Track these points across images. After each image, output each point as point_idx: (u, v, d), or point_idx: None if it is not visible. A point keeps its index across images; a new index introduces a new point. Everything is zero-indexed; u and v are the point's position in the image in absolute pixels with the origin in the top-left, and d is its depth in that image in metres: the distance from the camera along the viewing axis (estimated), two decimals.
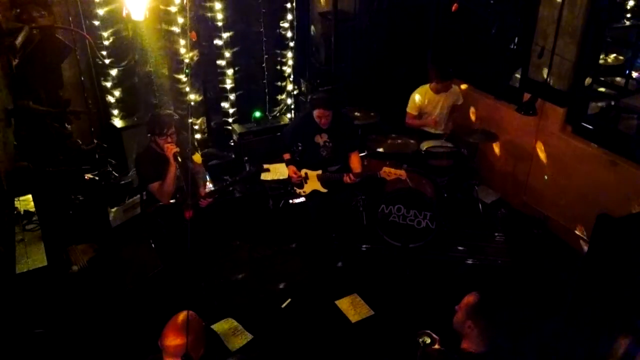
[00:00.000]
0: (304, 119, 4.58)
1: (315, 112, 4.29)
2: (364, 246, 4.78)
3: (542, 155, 5.04)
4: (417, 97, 5.30)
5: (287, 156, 4.56)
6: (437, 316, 3.86)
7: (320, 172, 4.45)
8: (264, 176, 5.11)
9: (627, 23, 5.25)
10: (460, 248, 4.85)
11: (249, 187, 5.55)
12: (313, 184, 4.47)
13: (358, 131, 5.09)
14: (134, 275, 4.27)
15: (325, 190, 4.46)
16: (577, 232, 4.75)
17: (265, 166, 4.88)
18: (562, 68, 4.57)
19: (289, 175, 4.47)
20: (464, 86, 5.54)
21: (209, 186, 4.43)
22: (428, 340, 2.41)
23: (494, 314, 2.30)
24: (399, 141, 5.19)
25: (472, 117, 5.72)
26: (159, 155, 3.73)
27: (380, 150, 5.06)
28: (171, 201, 3.82)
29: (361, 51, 6.11)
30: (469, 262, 4.65)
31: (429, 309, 4.06)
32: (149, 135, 3.79)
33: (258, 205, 5.27)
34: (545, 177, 5.06)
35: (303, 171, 4.46)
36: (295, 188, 4.53)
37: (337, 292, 4.27)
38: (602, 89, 4.92)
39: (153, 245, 4.09)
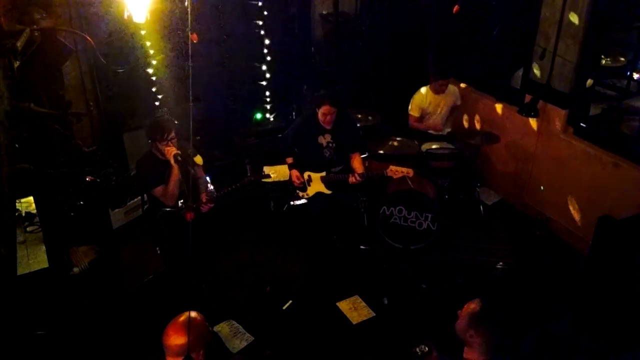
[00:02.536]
0: (307, 120, 4.57)
1: (321, 109, 4.26)
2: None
3: (543, 157, 5.03)
4: (418, 98, 5.31)
5: (289, 160, 4.55)
6: (437, 317, 3.89)
7: (324, 173, 4.44)
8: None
9: (628, 25, 5.25)
10: (461, 250, 4.85)
11: (250, 190, 5.55)
12: (317, 186, 4.46)
13: (360, 132, 5.09)
14: (135, 277, 4.27)
15: (329, 192, 4.46)
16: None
17: (266, 172, 4.88)
18: (564, 69, 4.57)
19: (292, 180, 4.46)
20: (462, 85, 5.55)
21: (210, 188, 4.42)
22: (426, 349, 2.36)
23: (495, 322, 2.23)
24: (400, 143, 5.19)
25: (475, 120, 5.71)
26: (160, 160, 3.74)
27: (382, 151, 5.06)
28: (180, 202, 3.83)
29: (362, 53, 6.11)
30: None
31: (429, 310, 4.06)
32: (149, 141, 3.80)
33: (259, 207, 5.27)
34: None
35: (306, 174, 4.45)
36: (298, 191, 4.52)
37: (338, 293, 4.26)
38: (602, 90, 4.92)
39: (156, 249, 4.09)
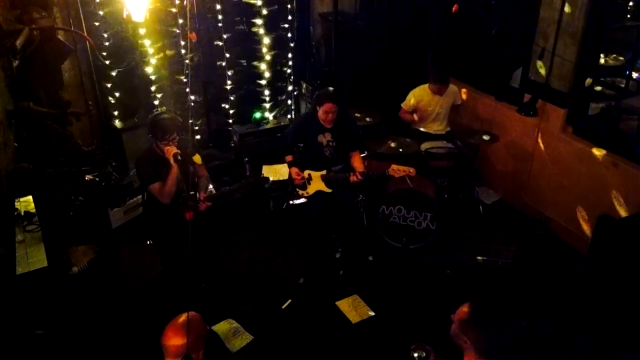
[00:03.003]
0: (307, 118, 4.57)
1: (323, 107, 4.26)
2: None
3: (542, 156, 5.04)
4: (416, 93, 5.31)
5: (289, 158, 4.55)
6: (437, 317, 3.89)
7: (324, 172, 4.44)
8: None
9: (628, 24, 5.26)
10: (460, 249, 4.85)
11: (250, 189, 5.56)
12: (317, 184, 4.46)
13: (359, 131, 5.09)
14: (134, 277, 4.27)
15: (329, 191, 4.46)
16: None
17: (265, 171, 4.88)
18: (563, 69, 4.57)
19: (292, 177, 4.46)
20: (464, 91, 5.56)
21: (210, 187, 4.42)
22: (423, 354, 2.36)
23: (487, 326, 2.20)
24: (400, 142, 5.19)
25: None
26: (159, 157, 3.73)
27: (381, 151, 5.05)
28: (187, 194, 3.81)
29: (361, 52, 6.11)
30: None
31: (429, 310, 4.06)
32: (150, 136, 3.79)
33: (259, 207, 5.27)
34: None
35: (306, 172, 4.45)
36: (297, 190, 4.52)
37: (337, 293, 4.26)
38: (601, 89, 4.92)
39: (153, 247, 4.09)
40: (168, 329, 2.30)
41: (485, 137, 4.93)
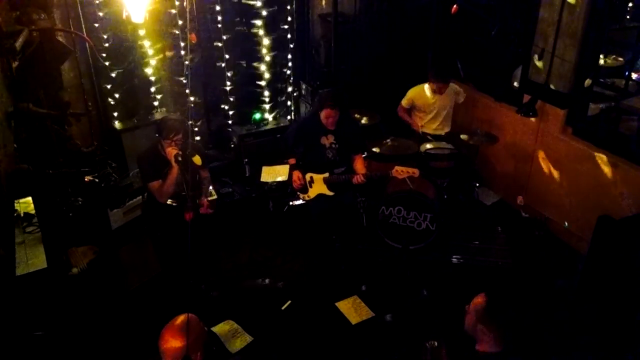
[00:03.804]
0: (309, 120, 4.55)
1: (325, 111, 4.24)
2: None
3: (542, 157, 5.04)
4: (413, 91, 5.32)
5: (292, 161, 4.53)
6: (437, 317, 3.89)
7: (327, 175, 4.42)
8: (264, 178, 5.10)
9: (627, 25, 5.26)
10: (460, 249, 4.85)
11: (249, 190, 5.56)
12: (319, 187, 4.44)
13: (361, 132, 5.09)
14: (134, 277, 4.27)
15: (331, 193, 4.44)
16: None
17: (265, 172, 4.86)
18: (563, 69, 4.57)
19: (292, 181, 4.44)
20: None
21: (210, 189, 4.42)
22: (435, 344, 2.42)
23: (503, 315, 2.29)
24: (399, 143, 5.19)
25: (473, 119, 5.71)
26: (162, 156, 3.74)
27: (381, 152, 5.05)
28: (188, 195, 3.82)
29: (361, 53, 6.11)
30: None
31: (430, 310, 4.06)
32: (156, 134, 3.81)
33: (259, 208, 5.26)
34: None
35: (308, 175, 4.43)
36: (298, 193, 4.51)
37: (337, 293, 4.26)
38: (601, 90, 4.92)
39: (154, 247, 4.09)
40: (165, 332, 2.26)
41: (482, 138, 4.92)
